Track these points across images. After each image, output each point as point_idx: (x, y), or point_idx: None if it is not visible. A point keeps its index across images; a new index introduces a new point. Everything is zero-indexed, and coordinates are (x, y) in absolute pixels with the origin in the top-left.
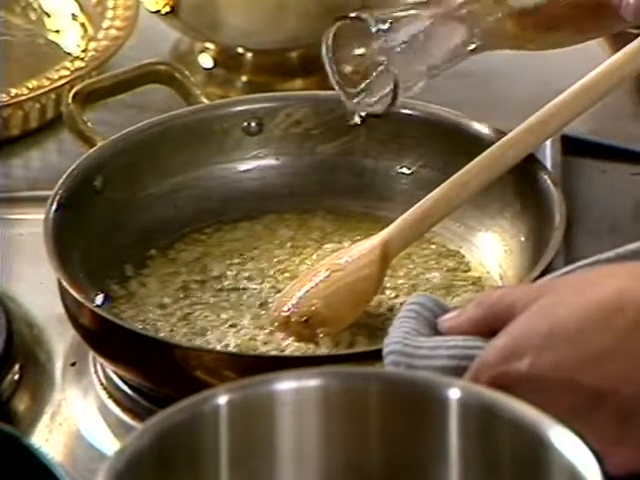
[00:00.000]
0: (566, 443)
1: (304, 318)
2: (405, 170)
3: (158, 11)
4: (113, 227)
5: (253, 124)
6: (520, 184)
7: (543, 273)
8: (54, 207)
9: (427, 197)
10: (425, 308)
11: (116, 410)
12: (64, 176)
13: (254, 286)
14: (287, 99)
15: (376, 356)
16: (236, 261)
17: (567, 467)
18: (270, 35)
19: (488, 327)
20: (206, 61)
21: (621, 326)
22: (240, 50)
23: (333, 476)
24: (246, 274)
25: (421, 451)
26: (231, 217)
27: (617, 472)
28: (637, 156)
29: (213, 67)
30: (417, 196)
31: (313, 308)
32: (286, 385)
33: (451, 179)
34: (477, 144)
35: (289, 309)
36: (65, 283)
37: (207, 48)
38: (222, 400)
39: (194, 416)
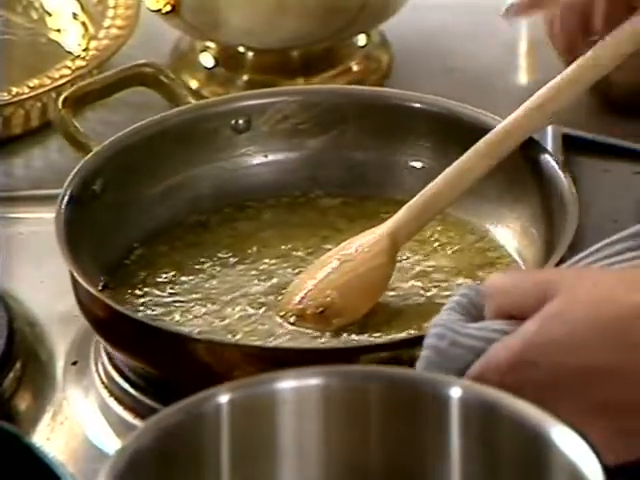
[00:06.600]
0: (567, 442)
1: (320, 309)
2: (396, 161)
3: (159, 10)
4: (112, 229)
5: (241, 121)
6: (533, 180)
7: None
8: (65, 203)
9: (431, 185)
10: (472, 304)
11: (118, 409)
12: (70, 176)
13: (250, 283)
14: (275, 95)
15: (403, 345)
16: (232, 259)
17: (568, 466)
18: (271, 34)
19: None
20: (207, 60)
21: (631, 344)
22: (241, 49)
23: (334, 475)
24: (241, 270)
25: (422, 450)
26: (224, 216)
27: None
28: (639, 154)
29: (214, 66)
30: (409, 186)
31: (328, 299)
32: (287, 384)
33: (453, 166)
34: (469, 132)
35: (303, 300)
36: (79, 277)
37: (208, 47)
38: (223, 399)
39: (196, 415)
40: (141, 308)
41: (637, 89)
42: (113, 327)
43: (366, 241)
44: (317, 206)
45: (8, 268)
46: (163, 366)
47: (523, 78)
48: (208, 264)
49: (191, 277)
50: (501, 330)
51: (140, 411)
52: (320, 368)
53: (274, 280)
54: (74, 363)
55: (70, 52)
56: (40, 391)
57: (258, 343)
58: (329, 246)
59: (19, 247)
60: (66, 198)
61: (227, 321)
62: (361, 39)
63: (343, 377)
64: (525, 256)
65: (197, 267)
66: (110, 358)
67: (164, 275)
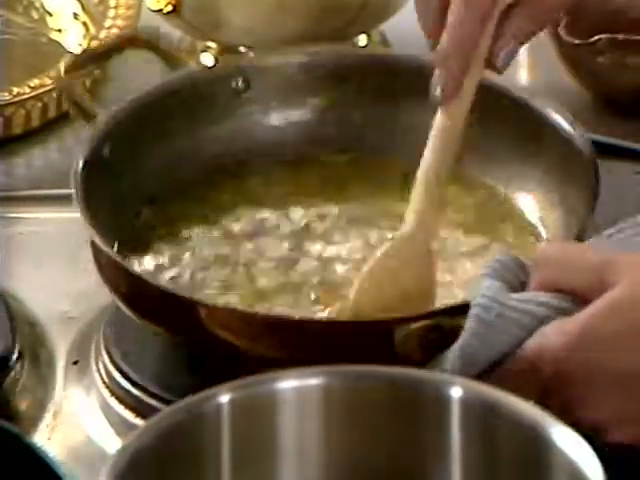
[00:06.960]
0: (568, 441)
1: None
2: (395, 120)
3: (160, 10)
4: (122, 193)
5: (240, 82)
6: (546, 140)
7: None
8: (79, 169)
9: (423, 168)
10: (510, 272)
11: (118, 408)
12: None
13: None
14: (276, 56)
15: (442, 314)
16: (235, 217)
17: (568, 466)
18: (272, 34)
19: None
20: (208, 60)
21: None
22: (242, 49)
23: (334, 475)
24: (247, 228)
25: (422, 450)
26: (230, 174)
27: None
28: (639, 154)
29: (215, 66)
30: (410, 146)
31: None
32: (287, 384)
33: (434, 134)
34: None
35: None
36: (100, 244)
37: (209, 47)
38: (224, 399)
39: (196, 414)
40: (158, 270)
41: (637, 89)
42: (135, 294)
43: (399, 246)
44: (321, 164)
45: (8, 268)
46: (182, 331)
47: (523, 78)
48: (219, 223)
49: (204, 236)
50: (547, 303)
51: (141, 410)
52: (320, 368)
53: (291, 240)
54: (75, 363)
55: (71, 52)
56: (41, 391)
57: (287, 314)
58: (338, 205)
59: (19, 247)
60: (80, 164)
61: (252, 283)
62: (361, 39)
63: (343, 377)
64: (544, 219)
65: (209, 225)
66: (111, 357)
67: (178, 234)
